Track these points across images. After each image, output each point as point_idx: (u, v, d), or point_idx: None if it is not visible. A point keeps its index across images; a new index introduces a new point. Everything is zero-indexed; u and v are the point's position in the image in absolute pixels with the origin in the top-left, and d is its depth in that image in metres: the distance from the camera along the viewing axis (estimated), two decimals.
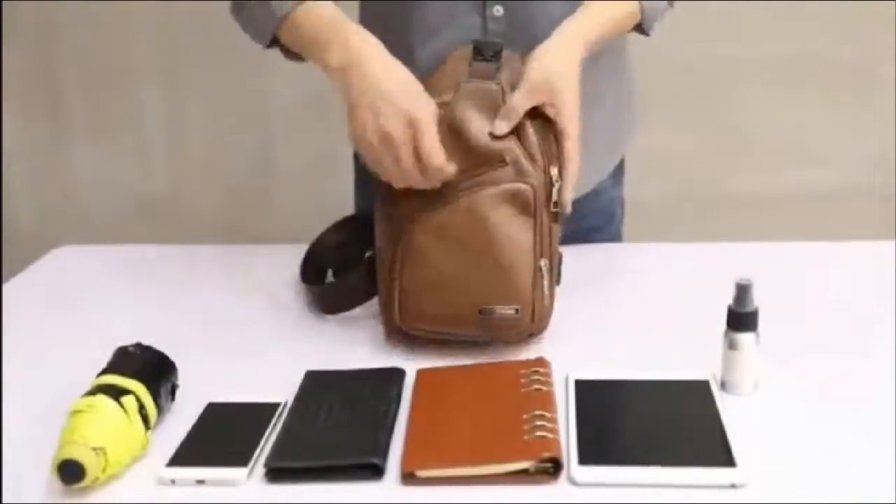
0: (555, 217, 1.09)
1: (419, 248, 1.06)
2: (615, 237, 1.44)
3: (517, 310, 1.05)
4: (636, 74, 1.38)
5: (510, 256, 1.05)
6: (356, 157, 1.44)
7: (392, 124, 1.03)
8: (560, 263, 1.12)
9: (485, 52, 1.08)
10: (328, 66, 1.10)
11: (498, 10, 1.19)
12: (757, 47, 2.22)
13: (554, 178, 1.08)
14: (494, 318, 1.05)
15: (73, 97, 2.41)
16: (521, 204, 1.05)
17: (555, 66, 1.09)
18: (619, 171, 1.42)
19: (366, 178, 1.41)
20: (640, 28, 1.23)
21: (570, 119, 1.08)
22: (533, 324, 1.07)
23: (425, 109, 1.05)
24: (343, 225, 1.30)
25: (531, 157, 1.06)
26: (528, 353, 1.06)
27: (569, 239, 1.30)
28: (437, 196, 1.05)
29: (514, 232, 1.05)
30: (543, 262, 1.07)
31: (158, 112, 2.40)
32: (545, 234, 1.07)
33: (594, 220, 1.39)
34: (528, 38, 1.13)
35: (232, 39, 2.29)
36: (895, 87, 2.20)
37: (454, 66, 1.11)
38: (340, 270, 1.24)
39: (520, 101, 1.06)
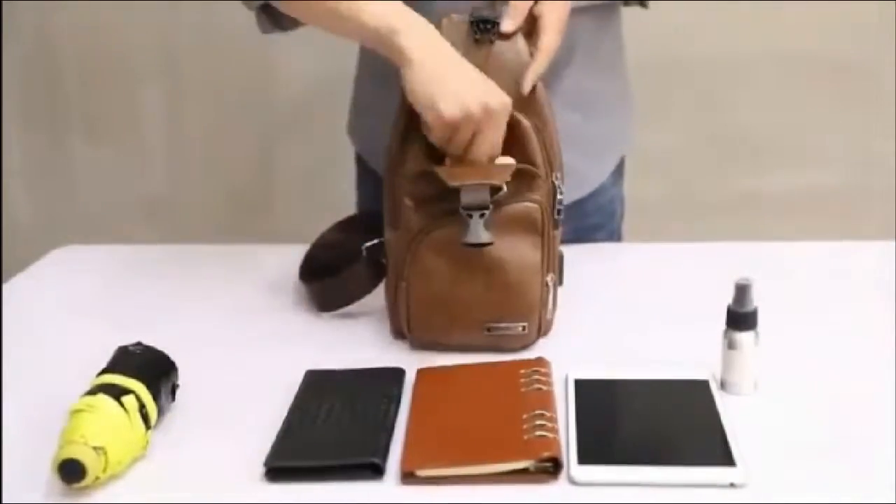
0: (556, 224, 1.09)
1: (427, 264, 1.06)
2: (615, 234, 1.45)
3: (524, 326, 1.06)
4: (633, 75, 1.39)
5: (518, 277, 1.05)
6: (357, 157, 1.44)
7: (493, 102, 1.02)
8: (562, 264, 1.12)
9: (480, 27, 1.08)
10: (397, 32, 1.05)
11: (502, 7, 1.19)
12: (757, 47, 2.22)
13: (557, 185, 1.08)
14: (501, 334, 1.05)
15: (73, 97, 2.41)
16: (529, 224, 1.05)
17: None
18: (618, 169, 1.43)
19: (366, 179, 1.41)
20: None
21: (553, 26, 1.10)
22: (539, 335, 1.08)
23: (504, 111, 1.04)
24: (345, 225, 1.30)
25: (534, 166, 1.06)
26: (528, 353, 1.06)
27: (570, 237, 1.30)
28: (448, 212, 1.04)
29: (523, 252, 1.05)
30: (550, 277, 1.07)
31: (158, 112, 2.40)
32: (552, 248, 1.07)
33: (595, 219, 1.39)
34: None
35: (232, 39, 2.30)
36: (895, 87, 2.20)
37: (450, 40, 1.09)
38: (330, 270, 1.24)
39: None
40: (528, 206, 1.05)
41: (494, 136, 1.04)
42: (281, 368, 1.04)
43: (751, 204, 2.30)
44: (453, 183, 1.02)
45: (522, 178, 1.05)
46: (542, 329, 1.08)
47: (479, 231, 1.02)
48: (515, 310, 1.05)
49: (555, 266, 1.09)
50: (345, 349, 1.10)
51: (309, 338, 1.14)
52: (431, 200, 1.05)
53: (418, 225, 1.06)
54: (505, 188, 1.03)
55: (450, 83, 1.03)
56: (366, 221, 1.23)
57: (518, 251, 1.05)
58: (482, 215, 1.02)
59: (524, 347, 1.07)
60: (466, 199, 1.02)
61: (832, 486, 0.83)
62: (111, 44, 2.36)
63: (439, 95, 1.02)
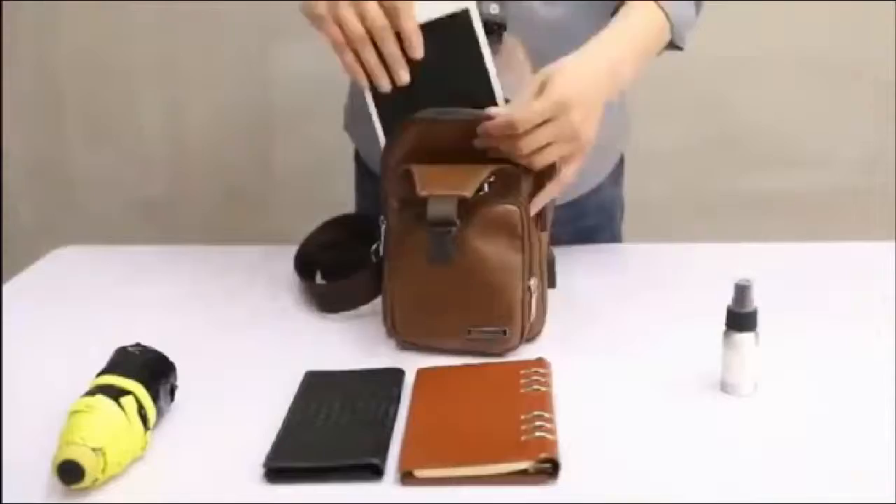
0: (543, 226, 1.08)
1: (408, 265, 1.06)
2: (615, 236, 1.44)
3: (505, 330, 1.05)
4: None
5: (498, 280, 1.04)
6: (357, 157, 1.44)
7: None
8: (553, 266, 1.12)
9: (487, 29, 1.08)
10: None
11: (494, 7, 1.19)
12: (757, 47, 2.22)
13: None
14: (481, 337, 1.05)
15: (73, 97, 2.40)
16: (509, 227, 1.04)
17: (572, 84, 1.04)
18: (618, 169, 1.42)
19: (365, 179, 1.41)
20: (672, 44, 1.18)
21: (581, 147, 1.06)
22: (521, 338, 1.07)
23: None
24: (332, 225, 1.30)
25: (522, 166, 1.05)
26: (528, 353, 1.06)
27: (570, 239, 1.30)
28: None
29: (503, 255, 1.04)
30: (533, 281, 1.06)
31: (158, 112, 2.40)
32: (534, 252, 1.06)
33: (595, 219, 1.39)
34: (522, 37, 1.14)
35: (232, 39, 2.30)
36: (895, 87, 2.20)
37: None
38: (330, 270, 1.24)
39: (537, 113, 1.02)
40: (507, 208, 1.04)
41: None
42: (281, 368, 1.04)
43: (751, 204, 2.30)
44: (422, 192, 1.01)
45: (501, 179, 1.03)
46: (526, 334, 1.07)
47: (443, 248, 1.01)
48: (495, 313, 1.04)
49: (540, 270, 1.08)
50: (344, 349, 1.10)
51: (308, 338, 1.14)
52: (414, 202, 1.04)
53: (401, 226, 1.06)
54: (486, 188, 1.02)
55: None
56: (354, 222, 1.24)
57: (497, 254, 1.03)
58: (448, 232, 1.00)
59: (506, 352, 1.07)
60: (433, 211, 1.00)
61: (832, 486, 0.83)
62: (111, 44, 2.36)
63: None
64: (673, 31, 1.16)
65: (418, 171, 1.03)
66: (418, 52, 1.05)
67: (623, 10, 1.14)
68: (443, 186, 1.01)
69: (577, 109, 1.02)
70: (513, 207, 1.04)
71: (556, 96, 1.01)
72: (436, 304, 1.05)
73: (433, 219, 1.00)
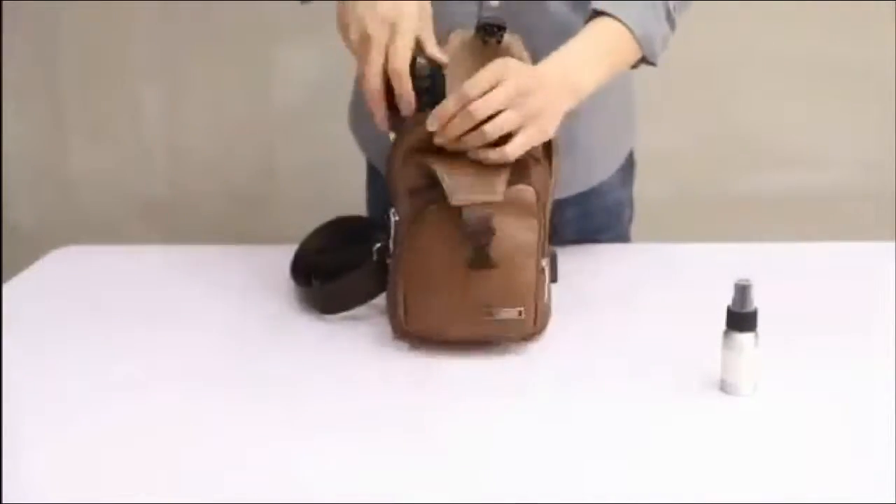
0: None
1: (421, 248, 1.06)
2: (623, 237, 1.44)
3: (521, 311, 1.05)
4: (633, 75, 1.38)
5: (514, 260, 1.04)
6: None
7: (373, 26, 1.06)
8: (555, 260, 1.12)
9: (488, 31, 1.10)
10: None
11: (493, 3, 1.20)
12: (758, 47, 2.22)
13: (553, 169, 1.09)
14: (498, 319, 1.05)
15: (73, 97, 2.40)
16: (525, 207, 1.05)
17: (517, 62, 1.08)
18: (628, 170, 1.42)
19: (378, 178, 1.41)
20: (645, 59, 1.19)
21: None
22: (535, 323, 1.07)
23: (407, 18, 1.07)
24: (327, 228, 1.30)
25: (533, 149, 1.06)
26: (529, 352, 1.06)
27: (575, 239, 1.30)
28: (438, 198, 1.03)
29: (518, 235, 1.04)
30: (545, 261, 1.07)
31: (158, 112, 2.40)
32: (545, 232, 1.07)
33: (599, 220, 1.39)
34: (522, 31, 1.14)
35: (232, 39, 2.30)
36: (895, 88, 2.20)
37: (459, 47, 1.12)
38: (328, 273, 1.24)
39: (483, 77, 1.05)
40: (523, 188, 1.05)
41: (403, 43, 1.05)
42: (282, 368, 1.05)
43: (751, 205, 2.30)
44: (456, 201, 1.01)
45: (516, 163, 1.05)
46: (539, 318, 1.07)
47: (484, 256, 1.01)
48: (511, 292, 1.04)
49: (548, 252, 1.09)
50: (345, 349, 1.10)
51: (311, 338, 1.14)
52: (424, 189, 1.05)
53: (412, 212, 1.06)
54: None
55: (356, 9, 1.08)
56: (349, 226, 1.24)
57: (512, 233, 1.04)
58: (488, 243, 1.01)
59: (523, 339, 1.07)
60: (470, 220, 1.00)
61: (832, 486, 0.83)
62: (111, 44, 2.36)
63: (349, 23, 1.08)
64: (641, 46, 1.16)
65: (438, 167, 1.03)
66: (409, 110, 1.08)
67: (592, 22, 1.16)
68: (475, 192, 1.02)
69: (526, 80, 1.05)
70: (528, 188, 1.05)
71: (499, 63, 1.05)
72: (452, 286, 1.04)
73: (472, 229, 1.01)
